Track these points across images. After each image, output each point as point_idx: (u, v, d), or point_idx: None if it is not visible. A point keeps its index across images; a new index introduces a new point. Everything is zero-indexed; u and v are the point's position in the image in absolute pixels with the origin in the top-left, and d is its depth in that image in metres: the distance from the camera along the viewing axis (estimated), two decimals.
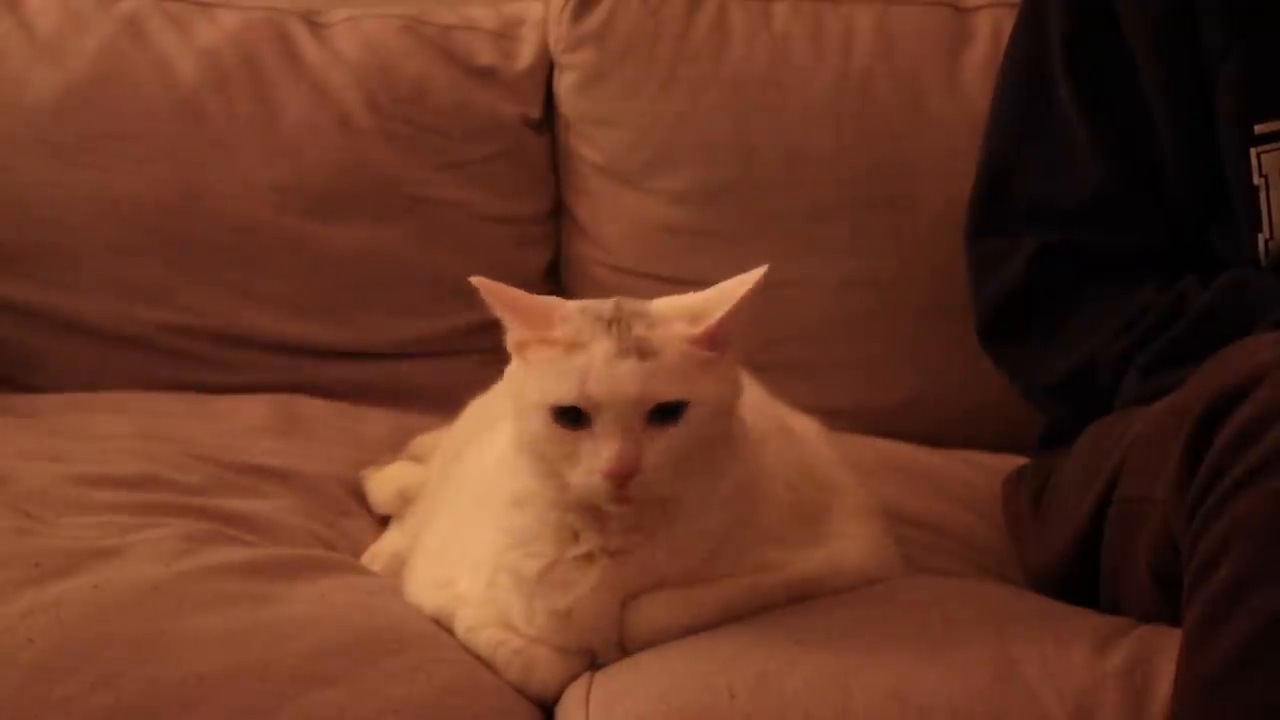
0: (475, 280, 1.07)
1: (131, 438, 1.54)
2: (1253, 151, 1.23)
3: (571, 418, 1.04)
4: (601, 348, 1.04)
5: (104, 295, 1.77)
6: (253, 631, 1.10)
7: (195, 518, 1.31)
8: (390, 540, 1.39)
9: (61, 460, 1.43)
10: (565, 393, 1.04)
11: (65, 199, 1.77)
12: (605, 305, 1.09)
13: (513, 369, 1.10)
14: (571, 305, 1.10)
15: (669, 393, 1.04)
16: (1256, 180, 1.23)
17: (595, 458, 1.04)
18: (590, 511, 1.09)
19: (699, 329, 1.06)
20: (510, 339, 1.09)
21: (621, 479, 1.03)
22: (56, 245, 1.77)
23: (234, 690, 1.05)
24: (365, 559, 1.37)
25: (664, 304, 1.10)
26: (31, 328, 1.77)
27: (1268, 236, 1.25)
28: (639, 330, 1.06)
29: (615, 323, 1.06)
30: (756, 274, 1.07)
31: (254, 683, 1.05)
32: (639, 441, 1.04)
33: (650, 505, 1.08)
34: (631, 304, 1.09)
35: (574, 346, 1.05)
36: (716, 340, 1.07)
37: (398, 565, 1.31)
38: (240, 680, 1.05)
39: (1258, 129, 1.23)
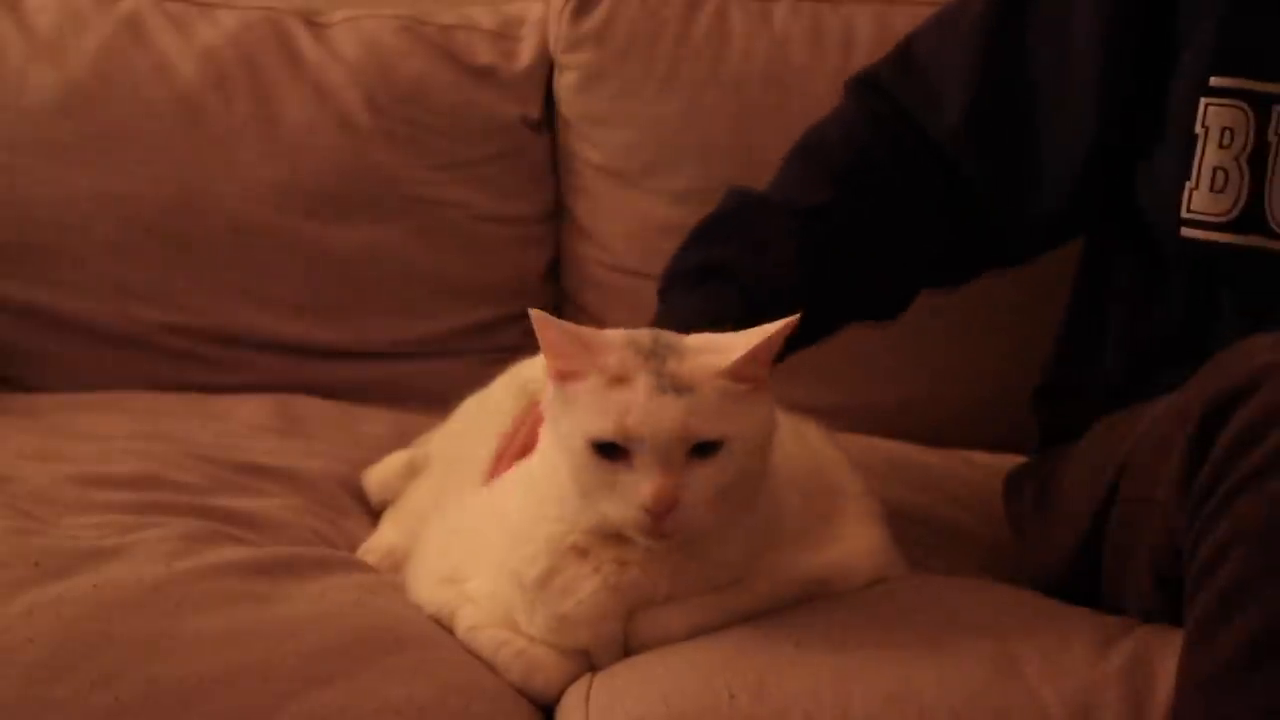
0: (532, 312, 1.05)
1: (131, 438, 1.54)
2: (1202, 101, 1.23)
3: (610, 451, 1.04)
4: (642, 383, 1.04)
5: (104, 295, 1.77)
6: (253, 631, 1.10)
7: (195, 517, 1.31)
8: (384, 537, 1.39)
9: (61, 460, 1.43)
10: (606, 427, 1.03)
11: (65, 199, 1.76)
12: (644, 337, 1.08)
13: (550, 398, 1.08)
14: (614, 335, 1.09)
15: (708, 430, 1.04)
16: (1197, 129, 1.24)
17: (635, 491, 1.03)
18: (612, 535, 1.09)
19: (726, 363, 1.06)
20: (551, 368, 1.08)
21: (661, 513, 1.03)
22: (56, 245, 1.77)
23: (234, 690, 1.04)
24: (359, 554, 1.37)
25: (697, 340, 1.10)
26: (31, 328, 1.77)
27: (1194, 186, 1.25)
28: (673, 365, 1.05)
29: (653, 356, 1.06)
30: (789, 319, 1.07)
31: (254, 683, 1.05)
32: (679, 476, 1.04)
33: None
34: (668, 337, 1.09)
35: (616, 381, 1.05)
36: (745, 375, 1.06)
37: (391, 562, 1.32)
38: (240, 680, 1.05)
39: (1213, 81, 1.23)
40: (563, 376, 1.07)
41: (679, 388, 1.04)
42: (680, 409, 1.03)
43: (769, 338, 1.06)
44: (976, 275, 1.44)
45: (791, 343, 1.30)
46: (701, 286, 1.33)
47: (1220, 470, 1.00)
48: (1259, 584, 0.96)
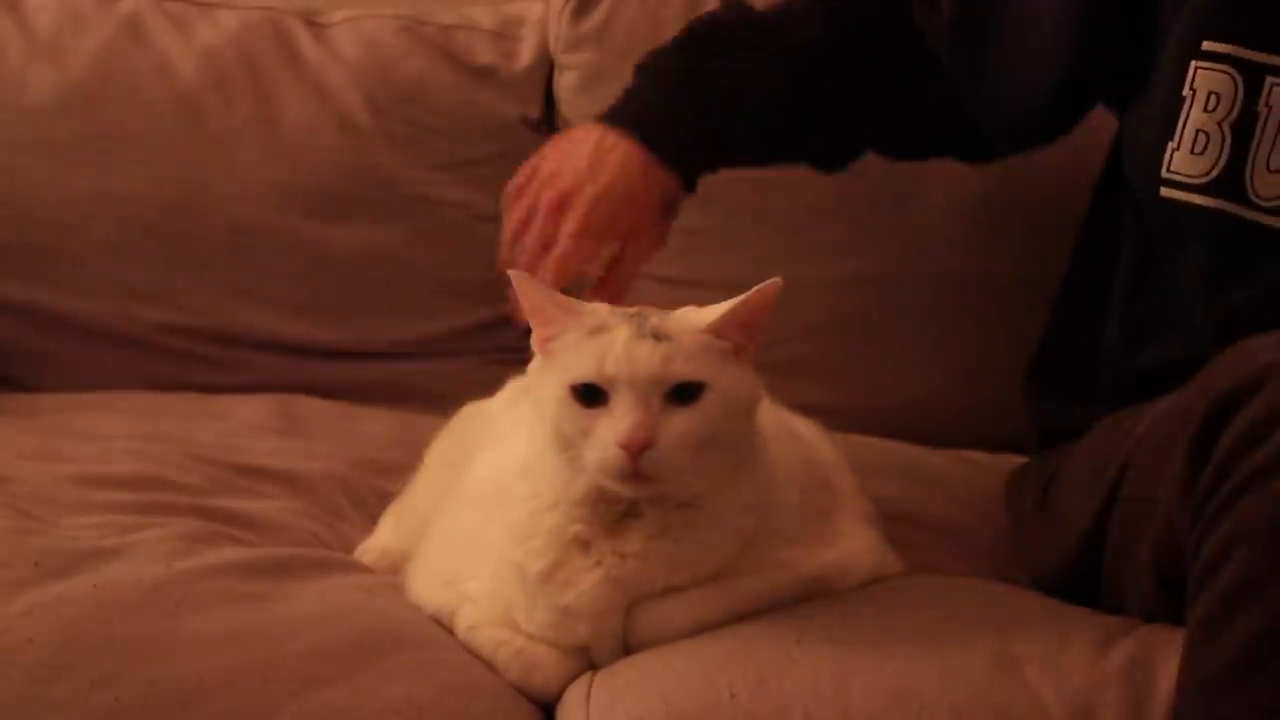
0: (512, 274, 1.10)
1: (131, 438, 1.54)
2: (1192, 64, 1.23)
3: (589, 396, 1.06)
4: (622, 332, 1.07)
5: (104, 295, 1.77)
6: (253, 631, 1.10)
7: (195, 518, 1.31)
8: (381, 538, 1.39)
9: (61, 460, 1.43)
10: (585, 370, 1.06)
11: (65, 199, 1.77)
12: (629, 309, 1.12)
13: (535, 366, 1.12)
14: (598, 304, 1.13)
15: (685, 372, 1.06)
16: (1185, 92, 1.24)
17: (611, 431, 1.05)
18: (606, 517, 1.10)
19: (707, 320, 1.09)
20: (536, 336, 1.11)
21: (635, 450, 1.04)
22: (56, 245, 1.77)
23: (234, 690, 1.04)
24: (355, 555, 1.37)
25: (682, 310, 1.13)
26: (31, 328, 1.77)
27: (1175, 147, 1.25)
28: (655, 321, 1.09)
29: (635, 316, 1.09)
30: (771, 281, 1.09)
31: (254, 683, 1.05)
32: (655, 417, 1.05)
33: (669, 504, 1.09)
34: (653, 310, 1.12)
35: (596, 330, 1.08)
36: (726, 334, 1.09)
37: (387, 563, 1.32)
38: (240, 680, 1.05)
39: (1205, 45, 1.23)
40: (547, 341, 1.10)
41: (658, 335, 1.07)
42: (659, 351, 1.06)
43: (747, 299, 1.09)
44: (931, 157, 1.48)
45: (738, 157, 1.39)
46: (675, 89, 1.39)
47: (1223, 470, 1.00)
48: (1262, 584, 0.95)
